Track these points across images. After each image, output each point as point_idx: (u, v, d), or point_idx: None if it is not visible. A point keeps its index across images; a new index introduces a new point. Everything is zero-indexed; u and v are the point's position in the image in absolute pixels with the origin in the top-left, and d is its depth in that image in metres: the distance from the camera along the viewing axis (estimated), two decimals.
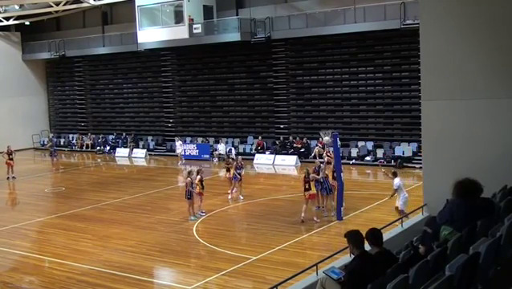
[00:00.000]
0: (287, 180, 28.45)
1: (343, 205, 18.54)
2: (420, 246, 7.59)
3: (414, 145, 28.50)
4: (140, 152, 37.47)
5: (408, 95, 29.56)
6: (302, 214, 18.37)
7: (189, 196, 19.40)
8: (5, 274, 15.06)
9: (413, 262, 6.46)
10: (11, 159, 30.28)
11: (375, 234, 7.18)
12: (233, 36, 32.38)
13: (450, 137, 11.93)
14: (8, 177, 29.96)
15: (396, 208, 16.58)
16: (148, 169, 33.84)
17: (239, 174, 22.13)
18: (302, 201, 18.72)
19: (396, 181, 16.57)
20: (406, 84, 29.71)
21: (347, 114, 31.86)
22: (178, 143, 34.80)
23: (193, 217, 19.38)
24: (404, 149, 28.95)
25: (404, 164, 28.07)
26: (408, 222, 12.02)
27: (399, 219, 12.16)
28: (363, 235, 7.14)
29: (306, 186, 18.45)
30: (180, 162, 32.96)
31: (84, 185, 27.48)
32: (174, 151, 35.39)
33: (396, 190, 16.59)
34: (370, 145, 30.42)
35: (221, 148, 33.71)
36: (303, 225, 18.00)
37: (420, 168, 18.43)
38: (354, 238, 7.05)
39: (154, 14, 35.70)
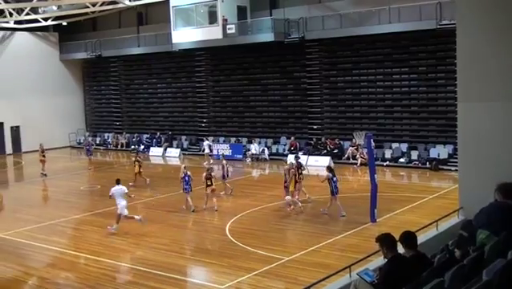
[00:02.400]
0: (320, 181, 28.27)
1: (377, 206, 18.40)
2: (455, 250, 7.50)
3: (450, 147, 28.10)
4: (173, 152, 37.80)
5: (443, 96, 29.16)
6: (292, 207, 20.25)
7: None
8: (42, 269, 15.38)
9: (449, 266, 6.40)
10: (44, 156, 31.03)
11: (409, 237, 7.12)
12: (267, 36, 32.42)
13: (487, 139, 11.71)
14: (41, 174, 30.64)
15: (119, 215, 18.34)
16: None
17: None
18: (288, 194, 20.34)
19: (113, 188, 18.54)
20: (442, 85, 29.31)
21: (381, 115, 31.60)
22: (205, 143, 35.15)
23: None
24: (440, 151, 28.55)
25: (440, 166, 27.72)
26: (444, 226, 11.84)
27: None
28: (396, 238, 7.09)
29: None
30: (206, 162, 33.18)
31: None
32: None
33: (111, 196, 18.57)
34: (404, 147, 30.09)
35: (254, 148, 33.84)
36: (336, 226, 17.92)
37: (456, 170, 18.17)
38: (386, 241, 7.01)
39: (188, 15, 35.99)
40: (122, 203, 18.39)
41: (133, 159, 28.00)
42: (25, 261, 16.21)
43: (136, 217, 18.51)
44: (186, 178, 21.39)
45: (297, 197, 20.78)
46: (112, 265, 15.04)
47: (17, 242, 17.92)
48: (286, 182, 20.74)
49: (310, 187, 22.50)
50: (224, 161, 24.91)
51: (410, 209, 20.00)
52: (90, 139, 41.19)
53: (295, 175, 20.56)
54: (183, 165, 22.98)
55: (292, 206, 20.36)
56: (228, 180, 24.45)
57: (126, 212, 18.46)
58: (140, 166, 27.04)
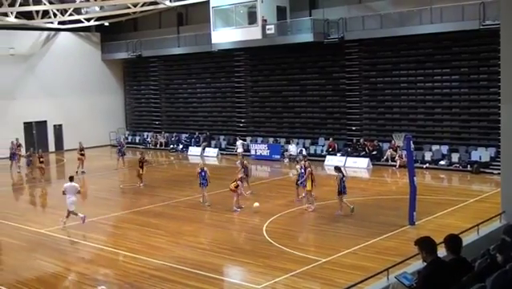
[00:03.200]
0: (358, 182, 28.10)
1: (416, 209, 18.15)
2: (497, 255, 7.33)
3: (492, 150, 27.52)
4: (212, 152, 38.05)
5: (486, 98, 28.57)
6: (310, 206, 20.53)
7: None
8: (82, 265, 15.66)
9: (490, 271, 6.27)
10: (83, 154, 31.57)
11: (455, 241, 6.97)
12: (306, 37, 32.35)
13: None
14: (81, 172, 31.23)
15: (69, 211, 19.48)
16: (220, 168, 34.21)
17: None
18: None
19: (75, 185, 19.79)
20: (484, 87, 28.73)
21: (421, 117, 31.17)
22: (239, 142, 35.29)
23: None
24: (481, 154, 27.97)
25: (481, 169, 27.18)
26: (485, 230, 11.62)
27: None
28: (436, 242, 6.98)
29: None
30: (238, 161, 33.40)
31: (158, 182, 28.13)
32: (246, 150, 35.73)
33: (64, 192, 19.68)
34: (445, 149, 29.61)
35: (292, 148, 33.79)
36: (374, 228, 17.74)
37: (498, 173, 17.83)
38: (426, 244, 6.89)
39: (228, 15, 36.15)
40: (72, 199, 19.58)
41: (138, 157, 27.95)
42: (65, 257, 16.54)
43: (80, 215, 19.62)
44: (202, 174, 22.23)
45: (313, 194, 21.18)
46: (150, 263, 15.21)
47: (58, 238, 18.32)
48: (298, 181, 21.48)
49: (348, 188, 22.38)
50: (245, 161, 25.27)
51: (450, 212, 19.67)
52: (122, 139, 40.26)
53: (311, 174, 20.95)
54: (200, 162, 23.59)
55: (310, 206, 20.65)
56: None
57: (73, 208, 19.57)
58: (142, 168, 27.12)
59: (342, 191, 19.67)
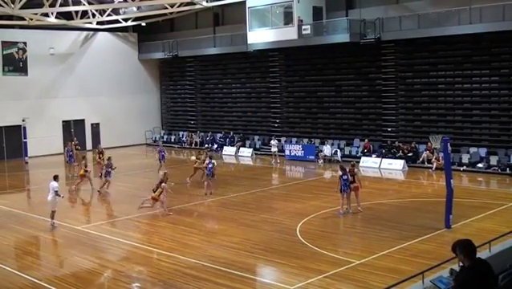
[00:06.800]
0: (393, 184, 27.86)
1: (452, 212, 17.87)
2: None
3: None
4: (246, 151, 38.14)
5: None
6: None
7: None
8: (118, 262, 15.86)
9: None
10: (101, 158, 31.14)
11: (469, 246, 6.78)
12: (342, 37, 32.15)
13: None
14: (100, 175, 31.37)
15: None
16: (254, 168, 34.33)
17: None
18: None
19: (53, 184, 19.33)
20: None
21: (459, 118, 30.68)
22: (274, 142, 35.28)
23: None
24: None
25: None
26: None
27: None
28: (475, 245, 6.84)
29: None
30: (274, 160, 33.56)
31: (192, 181, 28.29)
32: (280, 151, 35.71)
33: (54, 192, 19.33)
34: (483, 152, 29.05)
35: (327, 149, 33.64)
36: (409, 231, 17.54)
37: None
38: (465, 247, 6.75)
39: (264, 16, 36.22)
40: (48, 198, 19.58)
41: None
42: (101, 254, 16.78)
43: (51, 221, 19.67)
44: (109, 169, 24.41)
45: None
46: (184, 261, 15.31)
47: (94, 235, 18.60)
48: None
49: (383, 190, 22.15)
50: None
51: (487, 216, 19.31)
52: (161, 143, 37.44)
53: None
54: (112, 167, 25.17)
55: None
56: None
57: (53, 208, 19.54)
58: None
59: (342, 189, 19.96)
